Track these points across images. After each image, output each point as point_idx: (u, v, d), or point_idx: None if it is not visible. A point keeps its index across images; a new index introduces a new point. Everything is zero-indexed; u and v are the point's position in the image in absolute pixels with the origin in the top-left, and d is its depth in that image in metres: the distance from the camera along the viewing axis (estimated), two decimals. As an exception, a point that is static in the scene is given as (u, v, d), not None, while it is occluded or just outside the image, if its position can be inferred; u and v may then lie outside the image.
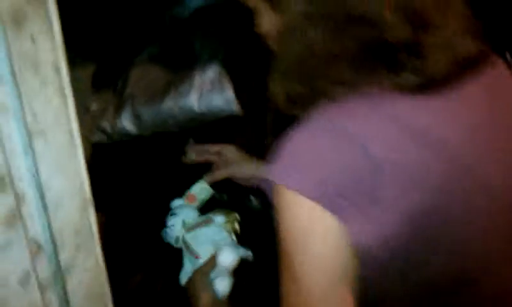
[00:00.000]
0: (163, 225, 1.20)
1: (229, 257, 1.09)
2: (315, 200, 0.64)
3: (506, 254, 0.76)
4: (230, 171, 1.23)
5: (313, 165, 0.66)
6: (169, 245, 1.20)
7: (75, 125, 0.53)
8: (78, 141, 0.54)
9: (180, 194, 1.25)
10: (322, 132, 0.67)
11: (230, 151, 1.24)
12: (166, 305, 1.29)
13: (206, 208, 1.26)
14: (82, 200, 0.56)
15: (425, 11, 0.69)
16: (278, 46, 0.77)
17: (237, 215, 1.22)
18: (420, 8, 0.68)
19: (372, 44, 0.67)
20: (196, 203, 1.24)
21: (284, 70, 0.74)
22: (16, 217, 0.48)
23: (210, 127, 1.23)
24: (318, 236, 0.66)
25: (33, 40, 0.47)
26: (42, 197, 0.51)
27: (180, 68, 1.23)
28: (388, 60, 0.68)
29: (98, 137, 1.23)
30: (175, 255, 1.18)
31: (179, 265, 1.16)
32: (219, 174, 1.24)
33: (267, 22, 0.78)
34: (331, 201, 0.64)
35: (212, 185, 1.28)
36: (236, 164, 1.23)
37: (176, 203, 1.25)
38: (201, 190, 1.24)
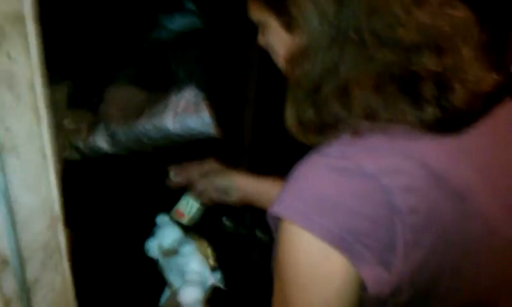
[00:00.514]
0: (135, 242, 1.20)
1: (191, 295, 1.08)
2: (332, 244, 0.60)
3: None
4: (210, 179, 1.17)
5: (331, 208, 0.60)
6: (139, 262, 1.20)
7: (48, 143, 0.54)
8: (50, 159, 0.55)
9: (154, 212, 1.26)
10: (337, 169, 0.62)
11: (209, 164, 1.19)
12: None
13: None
14: (52, 218, 0.56)
15: (454, 41, 0.65)
16: (292, 67, 0.70)
17: (207, 243, 1.21)
18: (449, 38, 0.64)
19: (397, 72, 0.63)
20: (185, 219, 1.22)
21: (298, 94, 0.68)
22: (-17, 230, 0.48)
23: (186, 148, 1.24)
24: (323, 276, 0.62)
25: (9, 57, 0.48)
26: (11, 212, 0.52)
27: (157, 89, 1.24)
28: (413, 91, 0.63)
29: (71, 154, 1.23)
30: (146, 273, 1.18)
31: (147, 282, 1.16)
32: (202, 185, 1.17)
33: (278, 40, 0.73)
34: (349, 246, 0.60)
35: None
36: (216, 175, 1.16)
37: (161, 219, 1.24)
38: (188, 204, 1.23)
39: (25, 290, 0.55)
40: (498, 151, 0.70)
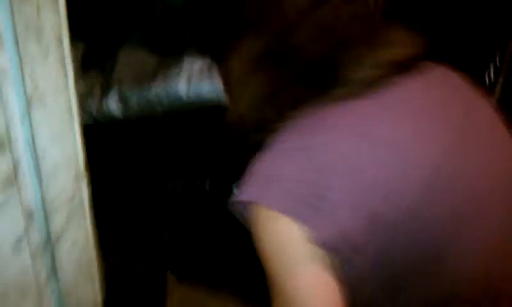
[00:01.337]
0: (147, 205, 1.21)
1: None
2: (282, 211, 0.69)
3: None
4: None
5: (276, 182, 0.71)
6: (151, 226, 1.21)
7: (74, 97, 0.54)
8: (76, 112, 0.55)
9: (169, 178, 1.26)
10: (278, 152, 0.74)
11: None
12: (142, 284, 1.30)
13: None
14: (77, 171, 0.57)
15: (340, 29, 0.77)
16: (235, 89, 0.84)
17: None
18: (335, 27, 0.77)
19: (298, 70, 0.76)
20: None
21: (243, 107, 0.83)
22: (12, 181, 0.49)
23: (198, 114, 1.24)
24: (288, 242, 0.70)
25: (38, 9, 0.48)
26: (37, 164, 0.52)
27: (170, 54, 1.23)
28: (315, 81, 0.76)
29: (83, 118, 1.22)
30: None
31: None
32: None
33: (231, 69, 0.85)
34: (295, 209, 0.69)
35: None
36: None
37: None
38: None
39: (50, 244, 0.56)
40: (429, 103, 0.79)
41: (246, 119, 0.82)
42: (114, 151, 1.28)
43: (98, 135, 1.25)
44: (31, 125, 0.50)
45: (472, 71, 0.88)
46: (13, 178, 0.49)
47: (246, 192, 0.72)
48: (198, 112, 1.24)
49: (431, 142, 0.75)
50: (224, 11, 0.90)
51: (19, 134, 0.49)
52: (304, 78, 0.77)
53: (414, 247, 0.72)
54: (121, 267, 1.34)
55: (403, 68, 0.78)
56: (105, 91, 1.22)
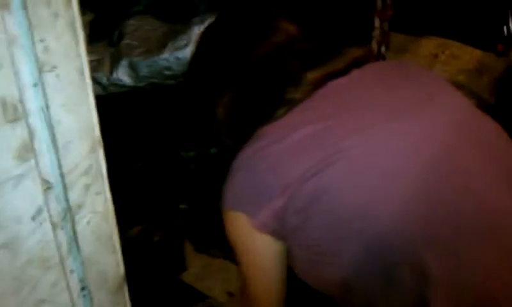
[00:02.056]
0: (161, 176, 1.20)
1: None
2: (240, 210, 0.89)
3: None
4: None
5: (238, 191, 0.90)
6: (167, 196, 1.20)
7: (86, 62, 0.52)
8: (88, 79, 0.53)
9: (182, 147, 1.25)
10: (242, 167, 0.90)
11: None
12: (161, 255, 1.30)
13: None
14: (93, 140, 0.55)
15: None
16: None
17: None
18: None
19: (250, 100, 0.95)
20: None
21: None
22: (29, 150, 0.48)
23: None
24: (251, 240, 0.90)
25: (46, -29, 0.46)
26: (52, 133, 0.51)
27: (178, 21, 1.21)
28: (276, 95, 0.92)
29: (94, 89, 1.21)
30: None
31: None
32: None
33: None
34: (249, 206, 0.88)
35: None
36: None
37: None
38: None
39: (70, 215, 0.55)
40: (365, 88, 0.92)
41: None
42: (126, 122, 1.27)
43: (110, 106, 1.24)
44: (44, 92, 0.49)
45: (490, 25, 0.89)
46: (30, 147, 0.48)
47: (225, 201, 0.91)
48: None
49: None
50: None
51: (33, 102, 0.48)
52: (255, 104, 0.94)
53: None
54: (139, 240, 1.34)
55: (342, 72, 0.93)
56: (115, 61, 1.20)
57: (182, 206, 1.65)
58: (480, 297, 0.78)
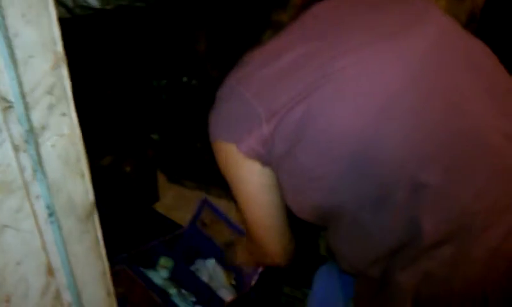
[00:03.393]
0: (132, 105, 1.16)
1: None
2: (227, 140, 0.88)
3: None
4: None
5: (224, 121, 0.90)
6: (138, 126, 1.17)
7: (44, -32, 0.47)
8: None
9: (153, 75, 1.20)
10: (227, 96, 0.89)
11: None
12: (133, 186, 1.27)
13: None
14: (55, 56, 0.51)
15: None
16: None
17: None
18: None
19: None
20: None
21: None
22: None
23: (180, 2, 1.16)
24: (241, 167, 0.90)
25: None
26: (9, 46, 0.46)
27: None
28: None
29: (58, 11, 1.14)
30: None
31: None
32: None
33: None
34: (236, 134, 0.87)
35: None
36: None
37: None
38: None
39: (33, 137, 0.51)
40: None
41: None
42: (94, 47, 1.21)
43: (76, 29, 1.17)
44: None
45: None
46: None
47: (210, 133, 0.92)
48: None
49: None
50: None
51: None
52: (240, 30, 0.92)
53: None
54: (110, 170, 1.31)
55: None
56: (79, -20, 1.12)
57: (154, 136, 1.61)
58: (467, 214, 0.79)
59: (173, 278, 1.47)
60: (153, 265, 1.48)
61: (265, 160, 0.87)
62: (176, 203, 1.76)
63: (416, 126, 0.79)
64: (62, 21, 1.15)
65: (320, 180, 0.82)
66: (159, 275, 1.46)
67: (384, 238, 0.82)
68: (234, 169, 0.91)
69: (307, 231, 1.15)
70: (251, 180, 0.91)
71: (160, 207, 1.74)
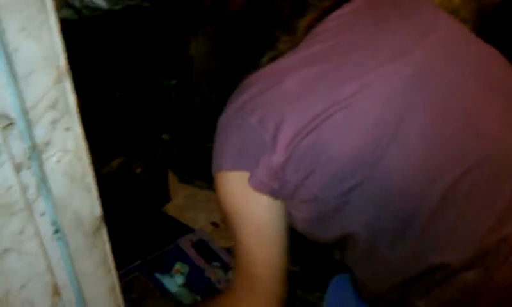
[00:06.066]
0: (142, 106, 1.15)
1: None
2: (234, 170, 0.83)
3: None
4: None
5: (229, 150, 0.83)
6: (148, 127, 1.15)
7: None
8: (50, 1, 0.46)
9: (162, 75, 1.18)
10: (230, 124, 0.84)
11: None
12: (144, 187, 1.26)
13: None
14: (58, 71, 0.49)
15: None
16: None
17: None
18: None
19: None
20: None
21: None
22: (-19, 83, 0.41)
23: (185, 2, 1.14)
24: (244, 199, 0.83)
25: None
26: (9, 62, 0.44)
27: None
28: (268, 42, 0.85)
29: (66, 13, 1.12)
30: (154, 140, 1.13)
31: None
32: None
33: None
34: (243, 164, 0.81)
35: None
36: None
37: None
38: None
39: (37, 153, 0.49)
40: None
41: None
42: (102, 48, 1.19)
43: (84, 31, 1.16)
44: (-3, 14, 0.42)
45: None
46: (-18, 79, 0.42)
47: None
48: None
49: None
50: None
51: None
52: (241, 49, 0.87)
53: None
54: (120, 172, 1.30)
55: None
56: (87, -19, 1.10)
57: (164, 136, 1.59)
58: (491, 239, 0.77)
59: (188, 283, 1.46)
60: (167, 270, 1.47)
61: (275, 195, 0.82)
62: (188, 203, 1.75)
63: (432, 151, 0.76)
64: (70, 22, 1.14)
65: (334, 212, 0.79)
66: (174, 282, 1.44)
67: (402, 267, 0.79)
68: (240, 204, 0.84)
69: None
70: (259, 215, 0.84)
71: (171, 207, 1.72)
